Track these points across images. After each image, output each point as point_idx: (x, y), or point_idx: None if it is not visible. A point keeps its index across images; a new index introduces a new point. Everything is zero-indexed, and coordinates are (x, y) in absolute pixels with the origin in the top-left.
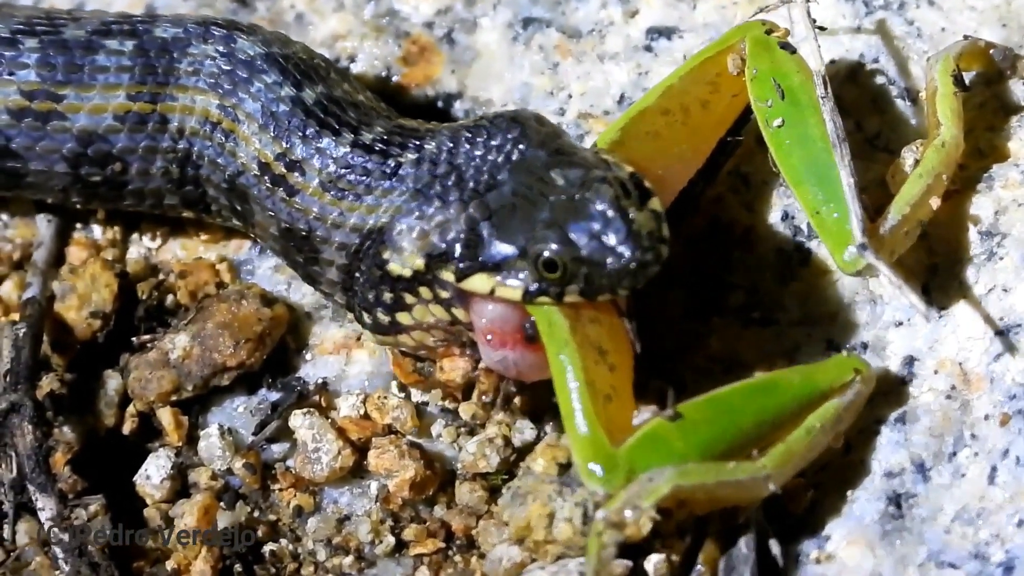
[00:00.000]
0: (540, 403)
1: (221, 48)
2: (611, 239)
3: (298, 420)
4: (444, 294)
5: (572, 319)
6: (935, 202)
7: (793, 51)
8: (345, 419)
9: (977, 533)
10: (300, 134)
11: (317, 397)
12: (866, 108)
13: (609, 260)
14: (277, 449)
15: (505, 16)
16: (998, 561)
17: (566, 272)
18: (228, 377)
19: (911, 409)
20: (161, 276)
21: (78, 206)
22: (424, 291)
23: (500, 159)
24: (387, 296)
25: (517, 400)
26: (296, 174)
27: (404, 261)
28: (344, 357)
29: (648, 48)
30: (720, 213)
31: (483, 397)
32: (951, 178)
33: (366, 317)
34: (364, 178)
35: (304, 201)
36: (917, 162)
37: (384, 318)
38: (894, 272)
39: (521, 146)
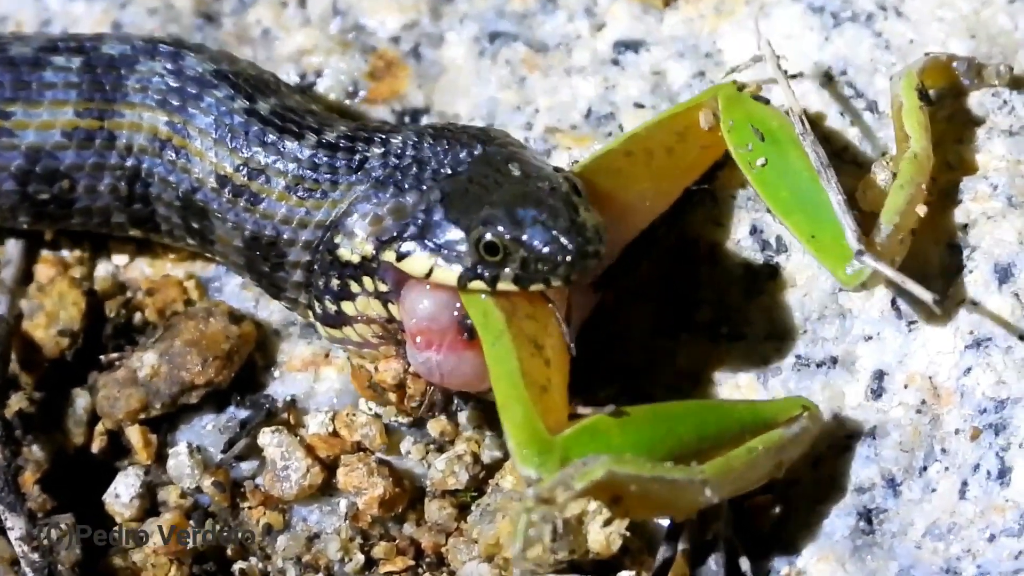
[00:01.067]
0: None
1: (169, 65)
2: (553, 226)
3: (267, 438)
4: (383, 287)
5: (508, 312)
6: (921, 209)
7: (767, 102)
8: (314, 436)
9: (948, 548)
10: (259, 142)
11: (286, 415)
12: (834, 120)
13: (548, 247)
14: (246, 467)
15: (471, 30)
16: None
17: (506, 255)
18: (196, 395)
19: (881, 424)
20: (129, 294)
21: (25, 226)
22: (367, 281)
23: (463, 154)
24: (335, 283)
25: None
26: (259, 181)
27: (354, 247)
28: (312, 374)
29: (615, 62)
30: (687, 228)
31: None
32: (927, 188)
33: (316, 306)
34: (330, 175)
35: (270, 207)
36: (894, 175)
37: (331, 307)
38: (896, 272)
39: (484, 143)
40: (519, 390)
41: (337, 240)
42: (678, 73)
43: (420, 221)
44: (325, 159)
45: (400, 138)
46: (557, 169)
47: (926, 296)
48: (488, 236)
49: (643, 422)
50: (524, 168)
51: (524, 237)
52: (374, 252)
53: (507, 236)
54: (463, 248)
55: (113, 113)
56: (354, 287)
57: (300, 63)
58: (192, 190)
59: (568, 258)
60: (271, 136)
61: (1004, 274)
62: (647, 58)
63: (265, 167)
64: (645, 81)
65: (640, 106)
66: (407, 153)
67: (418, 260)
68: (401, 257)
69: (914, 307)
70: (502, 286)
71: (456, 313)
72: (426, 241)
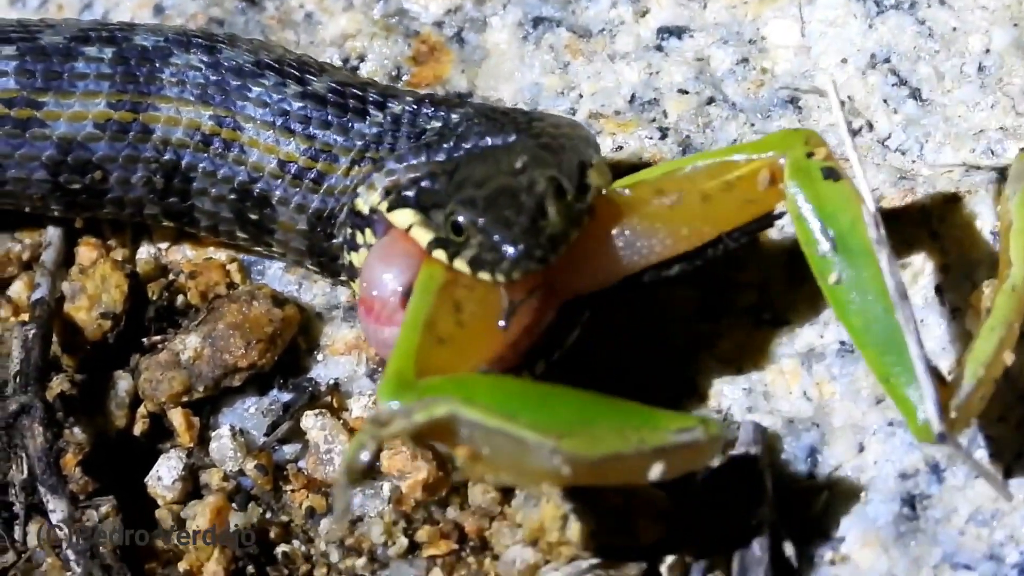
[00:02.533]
0: None
1: (206, 58)
2: (513, 223)
3: (310, 421)
4: (373, 241)
5: (450, 279)
6: (1009, 357)
7: (838, 179)
8: (357, 420)
9: (992, 534)
10: (322, 123)
11: (329, 398)
12: (878, 108)
13: (499, 242)
14: (289, 450)
15: (515, 15)
16: (1013, 562)
17: (467, 238)
18: (239, 378)
19: None
20: (171, 276)
21: (57, 215)
22: (369, 234)
23: (496, 138)
24: (348, 232)
25: None
26: (325, 160)
27: (368, 198)
28: (356, 358)
29: (659, 48)
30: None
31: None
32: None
33: (342, 257)
34: (391, 145)
35: (336, 182)
36: (988, 311)
37: (347, 258)
38: (976, 464)
39: (521, 132)
40: (414, 332)
41: (359, 191)
42: (721, 59)
43: (424, 184)
44: (390, 131)
45: (459, 115)
46: (581, 167)
47: (1003, 492)
48: (457, 216)
49: (517, 391)
50: (528, 162)
51: (484, 226)
52: (378, 201)
53: (472, 221)
54: (440, 219)
55: (148, 106)
56: (359, 238)
57: (343, 47)
58: (251, 180)
59: (513, 257)
60: (332, 116)
61: None
62: (691, 44)
63: (331, 146)
64: (689, 67)
65: (684, 92)
66: (459, 130)
67: (404, 214)
68: (392, 207)
69: (957, 294)
70: (457, 264)
71: (400, 289)
72: (418, 201)
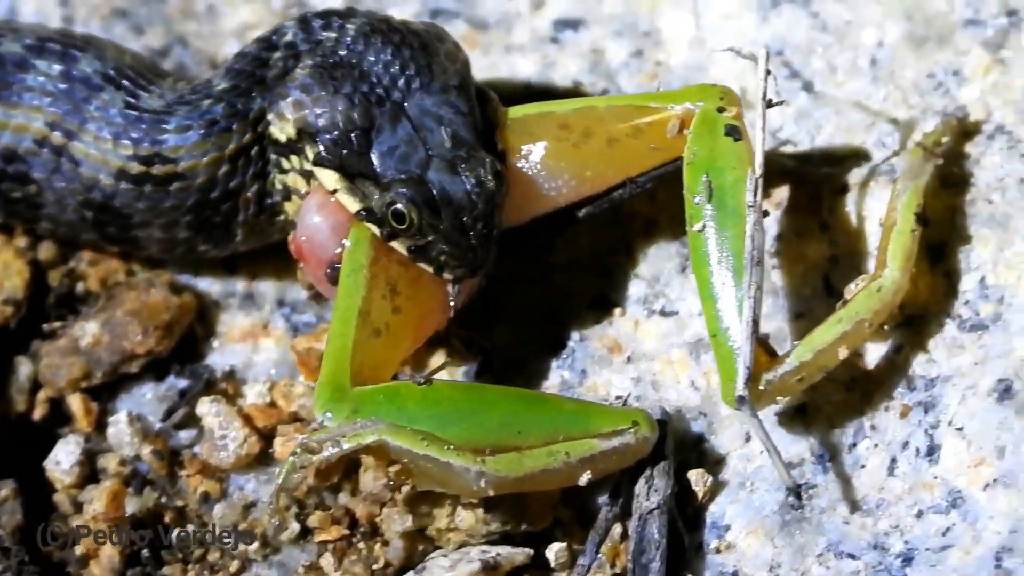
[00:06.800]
0: None
1: (57, 67)
2: (470, 230)
3: (205, 407)
4: (307, 166)
5: (379, 251)
6: (844, 352)
7: (738, 138)
8: (252, 407)
9: (876, 524)
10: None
11: (224, 385)
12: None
13: (456, 251)
14: (185, 436)
15: (414, 7)
16: (897, 552)
17: (409, 227)
18: (137, 364)
19: (811, 400)
20: (72, 264)
21: None
22: (294, 159)
23: (402, 80)
24: (273, 157)
25: None
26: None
27: (283, 128)
28: (251, 345)
29: (554, 40)
30: (622, 204)
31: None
32: (879, 324)
33: (276, 182)
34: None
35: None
36: (844, 302)
37: (278, 183)
38: (767, 436)
39: (431, 69)
40: (348, 327)
41: (270, 118)
42: (616, 51)
43: (351, 138)
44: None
45: (354, 27)
46: (487, 139)
47: (785, 478)
48: (399, 206)
49: (447, 400)
50: (456, 137)
51: (438, 227)
52: (296, 135)
53: (422, 218)
54: (375, 196)
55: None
56: (285, 163)
57: (244, 37)
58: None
59: (469, 266)
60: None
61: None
62: (586, 36)
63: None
64: (584, 59)
65: (578, 83)
66: (339, 52)
67: (330, 177)
68: (318, 163)
69: (846, 284)
70: (397, 246)
71: (336, 251)
72: (345, 164)
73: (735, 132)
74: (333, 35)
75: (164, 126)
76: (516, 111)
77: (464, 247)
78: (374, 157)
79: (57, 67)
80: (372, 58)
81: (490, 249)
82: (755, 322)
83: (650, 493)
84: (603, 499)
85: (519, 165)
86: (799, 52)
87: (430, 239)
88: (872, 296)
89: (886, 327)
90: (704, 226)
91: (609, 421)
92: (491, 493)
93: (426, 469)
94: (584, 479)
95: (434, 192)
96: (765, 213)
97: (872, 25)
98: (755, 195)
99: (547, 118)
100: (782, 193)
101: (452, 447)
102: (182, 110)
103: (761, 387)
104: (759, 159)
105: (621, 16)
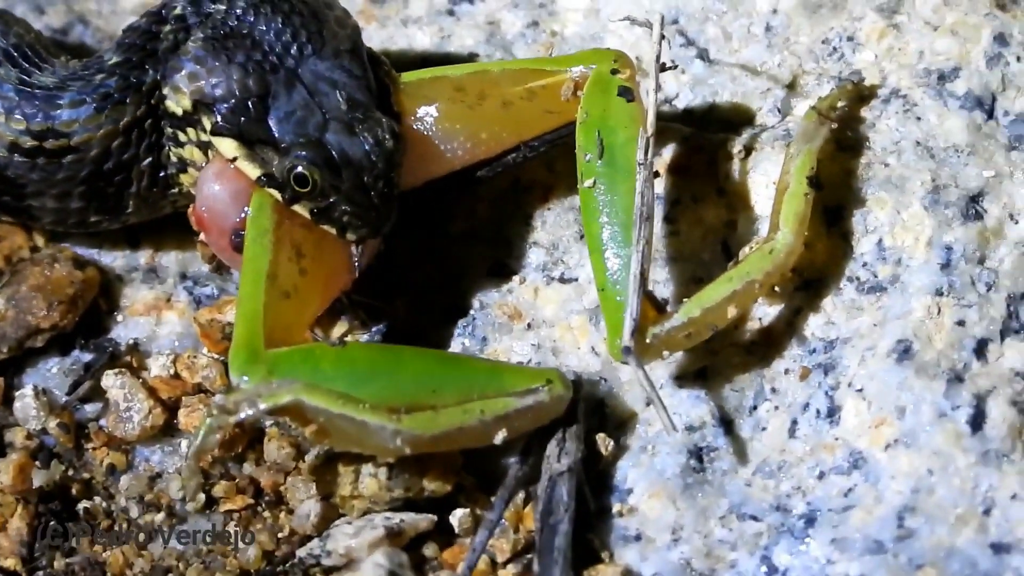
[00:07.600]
0: None
1: None
2: (370, 191)
3: (110, 380)
4: (204, 137)
5: (282, 214)
6: (732, 311)
7: (630, 99)
8: (156, 379)
9: (778, 486)
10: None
11: (128, 358)
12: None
13: (358, 210)
14: (90, 409)
15: None
16: (799, 513)
17: (312, 190)
18: (42, 339)
19: (712, 364)
20: None
21: None
22: (191, 132)
23: (294, 47)
24: (169, 131)
25: None
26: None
27: (178, 101)
28: (155, 318)
29: (451, 12)
30: (521, 174)
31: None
32: (771, 286)
33: (172, 155)
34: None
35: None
36: (736, 262)
37: (175, 156)
38: (652, 386)
39: (322, 35)
40: (258, 291)
41: (165, 91)
42: (512, 22)
43: (248, 106)
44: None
45: (223, 8)
46: (379, 99)
47: (666, 422)
48: (300, 169)
49: (361, 360)
50: (352, 97)
51: (340, 188)
52: (192, 107)
53: (323, 180)
54: (275, 161)
55: None
56: (181, 136)
57: None
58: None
59: (372, 225)
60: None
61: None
62: (482, 8)
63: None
64: (480, 31)
65: (475, 55)
66: (229, 23)
67: (229, 145)
68: (216, 132)
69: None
70: (299, 209)
71: (238, 219)
72: (244, 132)
73: (627, 93)
74: (223, 7)
75: (58, 101)
76: (410, 75)
77: (366, 207)
78: (272, 123)
79: None
80: (263, 27)
81: (391, 208)
82: (643, 276)
83: (561, 455)
84: (513, 459)
85: (415, 127)
86: (694, 20)
87: (332, 200)
88: (764, 257)
89: (778, 289)
90: (595, 182)
91: (523, 380)
92: (408, 452)
93: (343, 428)
94: (499, 438)
95: (334, 153)
96: (656, 174)
97: None
98: (646, 153)
99: (441, 81)
100: (679, 159)
101: (368, 405)
102: (75, 85)
103: (648, 340)
104: (651, 118)
105: None
